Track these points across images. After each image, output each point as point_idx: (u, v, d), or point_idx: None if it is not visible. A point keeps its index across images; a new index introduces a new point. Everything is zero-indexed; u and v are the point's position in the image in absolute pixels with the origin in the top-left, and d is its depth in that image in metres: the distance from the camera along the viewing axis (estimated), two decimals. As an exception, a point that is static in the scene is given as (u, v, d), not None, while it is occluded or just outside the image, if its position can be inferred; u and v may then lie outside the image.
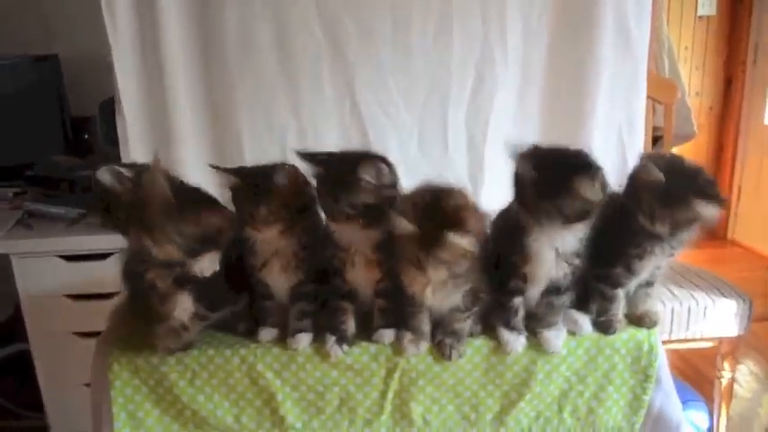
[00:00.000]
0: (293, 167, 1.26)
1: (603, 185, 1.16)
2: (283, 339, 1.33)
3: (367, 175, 1.20)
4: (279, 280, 1.32)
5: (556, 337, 1.32)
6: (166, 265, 1.21)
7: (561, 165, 1.16)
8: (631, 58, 1.90)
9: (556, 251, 1.22)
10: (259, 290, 1.35)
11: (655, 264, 1.31)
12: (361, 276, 1.29)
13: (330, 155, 1.28)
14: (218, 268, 1.24)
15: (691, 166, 1.24)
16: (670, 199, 1.17)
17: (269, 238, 1.26)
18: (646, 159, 1.22)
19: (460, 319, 1.28)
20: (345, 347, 1.31)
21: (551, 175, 1.14)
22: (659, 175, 1.17)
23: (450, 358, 1.29)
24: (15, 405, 2.58)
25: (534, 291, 1.29)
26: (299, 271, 1.31)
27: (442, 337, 1.30)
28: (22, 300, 2.08)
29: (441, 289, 1.22)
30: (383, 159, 1.27)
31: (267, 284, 1.33)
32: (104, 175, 1.28)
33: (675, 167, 1.22)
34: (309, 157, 1.24)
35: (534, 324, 1.33)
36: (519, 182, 1.20)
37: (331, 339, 1.31)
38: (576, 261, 1.24)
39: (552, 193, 1.14)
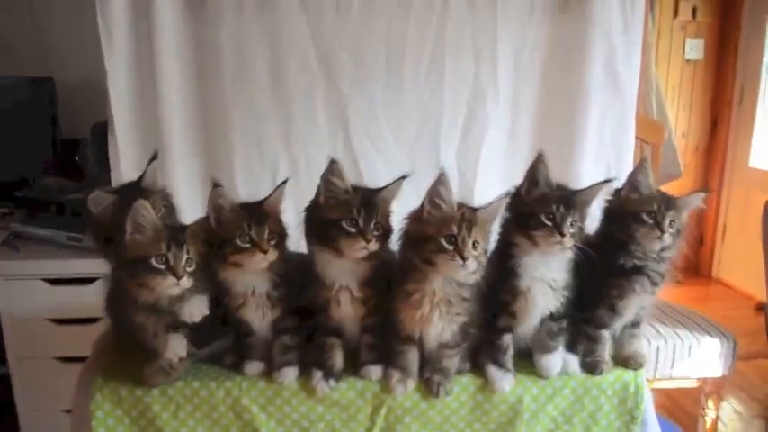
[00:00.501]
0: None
1: None
2: (269, 373, 1.32)
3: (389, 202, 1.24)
4: (257, 317, 1.31)
5: (553, 362, 1.32)
6: (154, 308, 1.20)
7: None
8: (620, 98, 1.93)
9: (549, 285, 1.25)
10: (239, 328, 1.34)
11: (638, 303, 1.33)
12: (347, 313, 1.28)
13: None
14: (207, 312, 1.23)
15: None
16: (667, 201, 1.26)
17: (250, 274, 1.25)
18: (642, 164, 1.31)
19: (449, 355, 1.28)
20: (332, 383, 1.30)
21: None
22: (651, 180, 1.27)
23: (437, 395, 1.29)
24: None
25: (526, 327, 1.30)
26: (276, 308, 1.30)
27: (431, 374, 1.30)
28: (4, 322, 2.06)
29: (435, 321, 1.23)
30: None
31: (247, 322, 1.32)
32: (94, 205, 1.27)
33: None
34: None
35: (533, 349, 1.34)
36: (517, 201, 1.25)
37: (318, 374, 1.30)
38: (566, 294, 1.27)
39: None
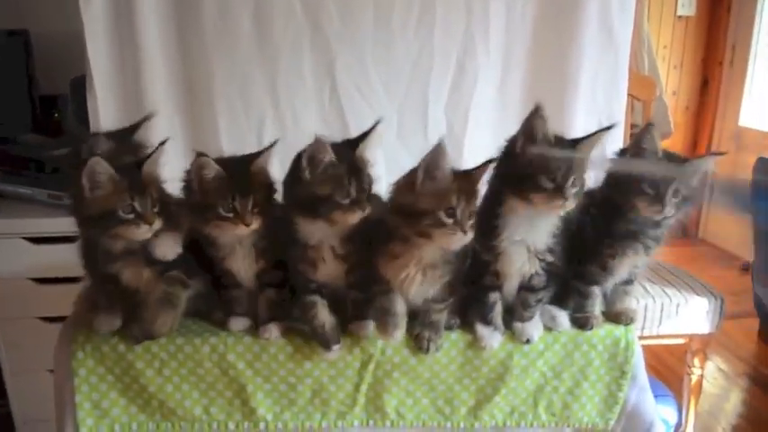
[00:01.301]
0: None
1: None
2: (255, 329, 1.30)
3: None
4: (242, 267, 1.28)
5: (530, 327, 1.30)
6: (127, 252, 1.19)
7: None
8: (613, 53, 1.89)
9: (527, 248, 1.21)
10: (225, 279, 1.30)
11: (631, 263, 1.31)
12: (332, 270, 1.25)
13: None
14: (180, 251, 1.22)
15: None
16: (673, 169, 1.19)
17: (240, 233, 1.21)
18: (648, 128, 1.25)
19: (437, 309, 1.26)
20: (336, 347, 1.27)
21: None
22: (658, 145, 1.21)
23: (427, 351, 1.27)
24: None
25: (509, 286, 1.28)
26: (261, 259, 1.27)
27: (420, 330, 1.28)
28: (-16, 282, 2.02)
29: (417, 283, 1.20)
30: None
31: (233, 273, 1.29)
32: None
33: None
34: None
35: (510, 317, 1.32)
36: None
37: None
38: (549, 258, 1.23)
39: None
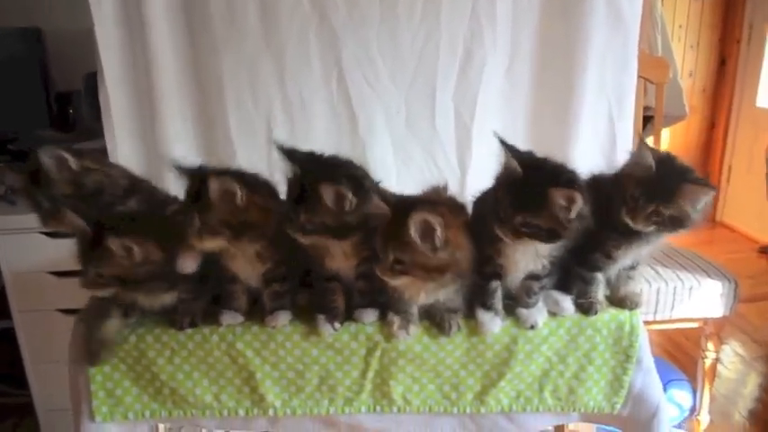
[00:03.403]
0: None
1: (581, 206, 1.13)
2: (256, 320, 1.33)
3: (329, 201, 1.16)
4: (246, 269, 1.29)
5: (534, 312, 1.31)
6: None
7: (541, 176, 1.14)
8: (622, 35, 1.86)
9: (534, 250, 1.21)
10: (224, 274, 1.31)
11: (635, 253, 1.31)
12: (340, 263, 1.27)
13: (310, 158, 1.23)
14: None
15: (681, 163, 1.21)
16: (658, 190, 1.16)
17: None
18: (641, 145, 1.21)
19: (450, 299, 1.29)
20: (337, 326, 1.30)
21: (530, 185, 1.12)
22: (650, 162, 1.16)
23: (450, 331, 1.29)
24: (0, 382, 2.59)
25: (513, 278, 1.28)
26: (267, 261, 1.28)
27: (440, 315, 1.30)
28: (6, 277, 2.06)
29: (422, 295, 1.23)
30: (355, 176, 1.22)
31: (234, 273, 1.30)
32: (47, 158, 1.24)
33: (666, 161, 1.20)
34: (289, 154, 1.20)
35: (514, 303, 1.33)
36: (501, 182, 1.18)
37: (321, 318, 1.30)
38: (555, 253, 1.23)
39: (527, 204, 1.12)
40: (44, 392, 2.19)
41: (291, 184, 1.20)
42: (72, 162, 1.26)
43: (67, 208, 1.22)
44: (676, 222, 1.18)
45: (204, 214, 1.17)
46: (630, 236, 1.25)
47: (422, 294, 1.23)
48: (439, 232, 1.11)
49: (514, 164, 1.14)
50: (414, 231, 1.10)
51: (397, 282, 1.17)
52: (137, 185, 1.39)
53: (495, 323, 1.29)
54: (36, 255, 2.06)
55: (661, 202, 1.16)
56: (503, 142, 1.16)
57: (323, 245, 1.25)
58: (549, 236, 1.14)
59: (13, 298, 2.10)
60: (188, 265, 1.23)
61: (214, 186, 1.15)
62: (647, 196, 1.17)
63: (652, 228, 1.19)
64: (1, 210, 2.07)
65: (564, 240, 1.17)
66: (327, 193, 1.15)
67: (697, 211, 1.17)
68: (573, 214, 1.11)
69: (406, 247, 1.12)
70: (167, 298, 1.29)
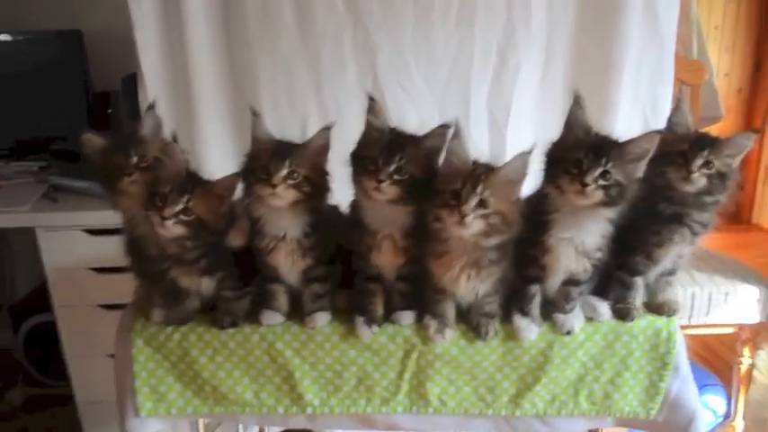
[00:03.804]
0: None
1: None
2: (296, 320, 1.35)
3: (427, 147, 1.20)
4: (286, 264, 1.31)
5: (571, 318, 1.31)
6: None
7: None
8: (659, 40, 1.85)
9: (575, 248, 1.21)
10: (266, 272, 1.34)
11: (676, 252, 1.30)
12: (386, 260, 1.28)
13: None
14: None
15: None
16: (701, 140, 1.20)
17: (279, 212, 1.24)
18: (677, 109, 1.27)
19: (489, 302, 1.30)
20: (375, 328, 1.32)
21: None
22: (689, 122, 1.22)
23: (486, 336, 1.30)
24: (42, 374, 2.66)
25: (554, 281, 1.29)
26: (307, 256, 1.30)
27: (477, 319, 1.31)
28: (48, 272, 2.12)
29: (463, 282, 1.23)
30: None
31: (275, 267, 1.32)
32: (150, 119, 1.34)
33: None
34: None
35: (550, 309, 1.33)
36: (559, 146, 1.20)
37: (360, 320, 1.32)
38: (598, 255, 1.23)
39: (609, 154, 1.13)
40: (83, 385, 2.24)
41: (377, 140, 1.20)
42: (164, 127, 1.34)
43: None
44: (723, 178, 1.20)
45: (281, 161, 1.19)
46: (670, 224, 1.25)
47: (462, 282, 1.22)
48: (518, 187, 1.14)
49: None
50: (507, 172, 1.12)
51: (473, 228, 1.12)
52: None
53: (531, 330, 1.30)
54: (77, 251, 2.11)
55: (711, 151, 1.19)
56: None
57: (387, 220, 1.25)
58: (618, 194, 1.14)
59: (55, 293, 2.15)
60: (236, 240, 1.27)
61: (312, 141, 1.24)
62: (697, 147, 1.19)
63: (704, 184, 1.20)
64: (44, 207, 2.12)
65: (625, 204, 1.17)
66: (431, 139, 1.19)
67: (737, 167, 1.23)
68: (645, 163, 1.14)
69: (497, 189, 1.11)
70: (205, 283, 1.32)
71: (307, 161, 1.22)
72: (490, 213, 1.12)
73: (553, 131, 1.88)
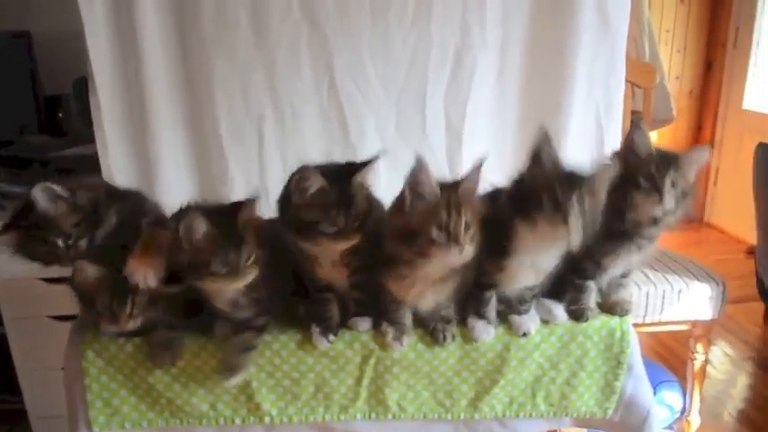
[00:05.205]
0: None
1: None
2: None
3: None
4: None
5: (527, 320, 1.33)
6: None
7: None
8: (610, 40, 1.87)
9: (534, 269, 1.23)
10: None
11: (625, 262, 1.33)
12: (330, 275, 1.28)
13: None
14: None
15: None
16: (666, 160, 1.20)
17: None
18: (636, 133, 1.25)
19: (445, 307, 1.30)
20: (332, 338, 1.31)
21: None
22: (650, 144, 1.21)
23: (444, 341, 1.30)
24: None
25: (509, 291, 1.30)
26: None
27: (434, 325, 1.31)
28: (-5, 283, 2.05)
29: (428, 297, 1.23)
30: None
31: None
32: (39, 194, 1.22)
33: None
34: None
35: (506, 311, 1.34)
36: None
37: (316, 330, 1.31)
38: (552, 269, 1.25)
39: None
40: (36, 399, 2.18)
41: (327, 202, 1.15)
42: (57, 189, 1.23)
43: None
44: (685, 195, 1.21)
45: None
46: (618, 240, 1.26)
47: (425, 297, 1.23)
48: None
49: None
50: (469, 185, 1.13)
51: (471, 249, 1.11)
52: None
53: (487, 332, 1.31)
54: (25, 260, 2.04)
55: (674, 172, 1.19)
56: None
57: (316, 252, 1.23)
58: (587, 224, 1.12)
59: (4, 304, 2.09)
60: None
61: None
62: (664, 169, 1.18)
63: (672, 205, 1.19)
64: (-10, 216, 2.05)
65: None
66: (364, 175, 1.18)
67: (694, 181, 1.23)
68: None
69: (466, 204, 1.11)
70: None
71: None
72: (473, 232, 1.12)
73: (507, 131, 1.91)
